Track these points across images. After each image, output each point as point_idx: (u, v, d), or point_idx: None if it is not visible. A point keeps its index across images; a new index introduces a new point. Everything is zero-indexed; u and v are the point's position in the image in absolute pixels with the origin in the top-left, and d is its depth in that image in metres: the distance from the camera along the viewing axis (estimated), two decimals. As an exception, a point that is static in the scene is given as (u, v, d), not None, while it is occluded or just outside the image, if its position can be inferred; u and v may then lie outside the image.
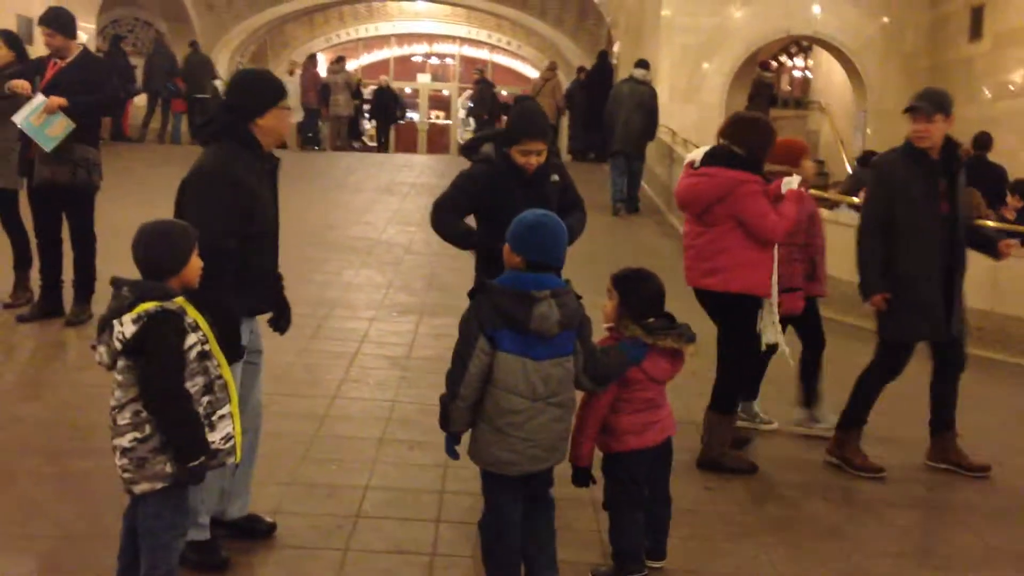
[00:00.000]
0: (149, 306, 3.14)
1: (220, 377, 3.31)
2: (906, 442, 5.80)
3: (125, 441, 3.19)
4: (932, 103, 5.21)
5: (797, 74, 24.54)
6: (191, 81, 19.18)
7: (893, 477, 5.42)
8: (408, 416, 5.80)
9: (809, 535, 4.70)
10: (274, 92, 3.98)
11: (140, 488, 3.23)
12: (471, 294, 3.70)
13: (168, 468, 3.22)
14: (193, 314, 3.24)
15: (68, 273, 7.27)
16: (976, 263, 5.60)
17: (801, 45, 22.02)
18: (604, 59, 19.16)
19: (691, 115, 15.97)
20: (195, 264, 3.36)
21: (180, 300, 3.22)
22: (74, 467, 4.77)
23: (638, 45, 18.64)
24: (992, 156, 11.84)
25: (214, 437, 3.29)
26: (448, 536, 4.35)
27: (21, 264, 7.51)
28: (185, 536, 3.49)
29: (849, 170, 15.98)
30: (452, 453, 3.71)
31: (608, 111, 13.74)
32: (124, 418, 3.19)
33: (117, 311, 3.15)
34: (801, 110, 21.52)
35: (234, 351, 3.56)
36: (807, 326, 5.96)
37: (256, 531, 4.19)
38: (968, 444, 5.62)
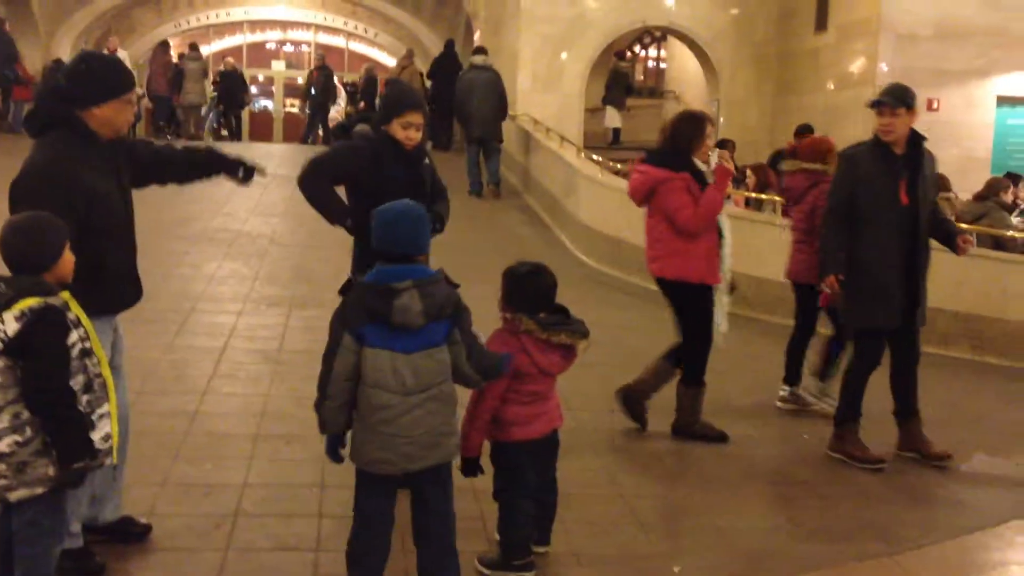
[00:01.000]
0: (32, 302, 3.01)
1: (99, 375, 3.21)
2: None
3: (3, 446, 3.05)
4: (895, 97, 5.40)
5: (651, 64, 25.14)
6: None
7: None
8: (282, 410, 5.70)
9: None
10: (120, 82, 3.78)
11: (17, 495, 3.09)
12: (342, 291, 3.62)
13: (50, 471, 3.10)
14: (76, 310, 3.14)
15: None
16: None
17: (654, 35, 22.53)
18: (450, 48, 19.27)
19: (552, 104, 16.15)
20: (68, 258, 3.25)
21: (65, 295, 3.11)
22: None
23: (497, 34, 18.74)
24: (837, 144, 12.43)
25: (95, 436, 3.19)
26: (331, 530, 4.30)
27: None
28: (62, 543, 3.36)
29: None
30: (334, 456, 3.65)
31: (458, 100, 14.15)
32: (2, 422, 3.05)
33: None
34: (656, 99, 22.03)
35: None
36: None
37: (131, 534, 4.07)
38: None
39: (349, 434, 3.60)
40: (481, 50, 14.75)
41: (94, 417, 3.18)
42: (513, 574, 3.98)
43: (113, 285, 3.77)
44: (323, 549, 4.13)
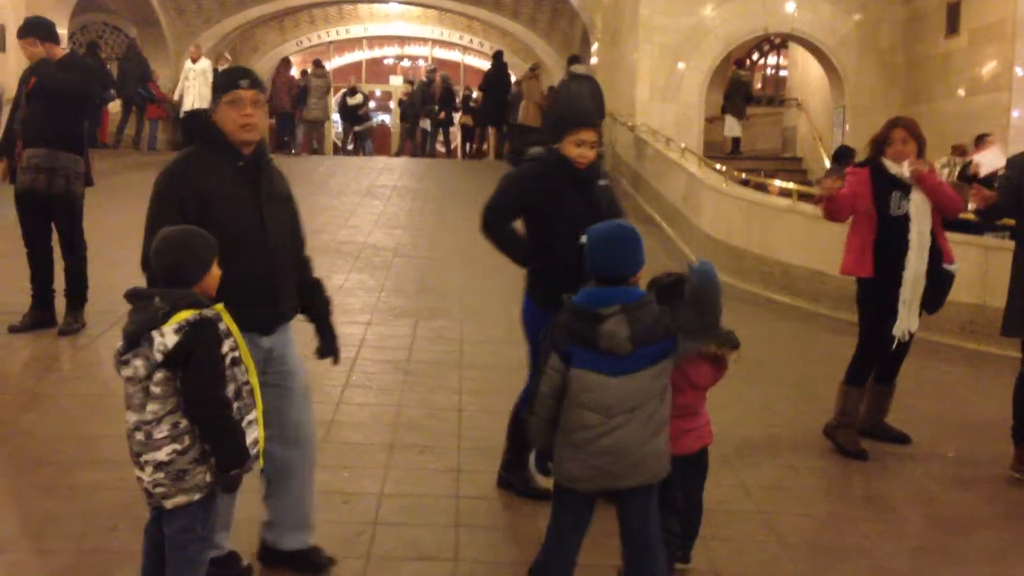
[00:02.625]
0: (188, 315, 3.07)
1: (247, 383, 3.27)
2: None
3: (162, 455, 3.11)
4: None
5: (771, 71, 24.72)
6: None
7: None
8: (415, 421, 5.75)
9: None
10: (221, 82, 3.72)
11: (174, 501, 3.16)
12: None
13: (207, 478, 3.18)
14: (227, 321, 3.20)
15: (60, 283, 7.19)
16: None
17: (774, 43, 22.15)
18: (499, 59, 20.29)
19: (670, 113, 16.01)
20: (215, 273, 3.28)
21: (219, 307, 3.18)
22: (83, 479, 4.70)
23: (615, 45, 18.68)
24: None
25: (246, 442, 3.25)
26: (468, 540, 4.32)
27: None
28: (211, 549, 3.43)
29: (827, 165, 16.11)
30: (541, 468, 3.68)
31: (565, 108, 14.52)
32: (161, 431, 3.11)
33: (149, 322, 3.07)
34: (777, 107, 21.64)
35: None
36: None
37: (314, 564, 3.98)
38: None
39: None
40: (576, 58, 14.91)
41: (244, 424, 3.22)
42: (654, 590, 3.92)
43: (243, 302, 3.42)
44: (461, 559, 4.14)
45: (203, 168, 3.62)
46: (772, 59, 24.25)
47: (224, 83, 3.70)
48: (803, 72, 19.71)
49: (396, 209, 13.19)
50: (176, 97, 18.08)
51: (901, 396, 5.95)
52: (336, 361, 4.05)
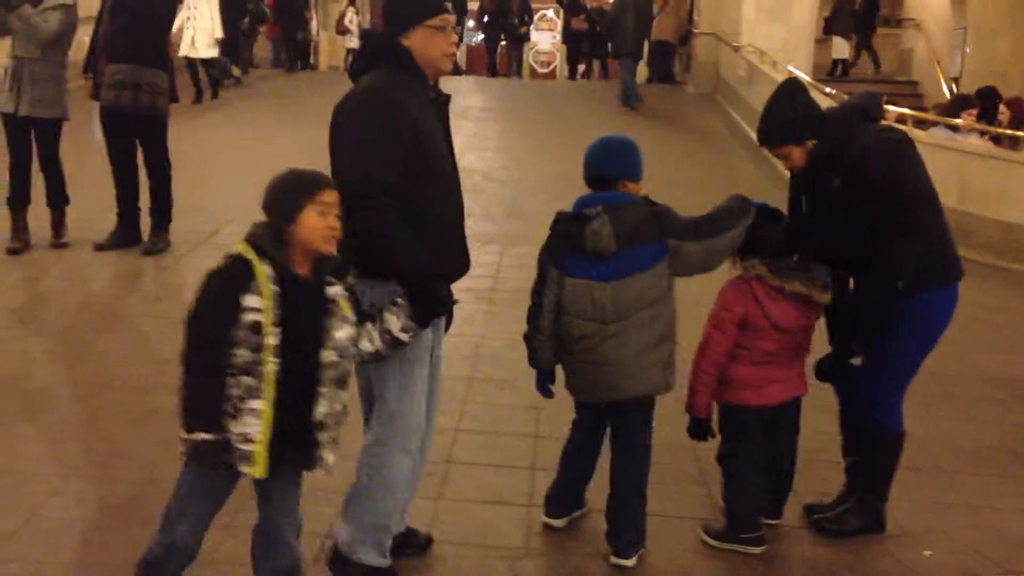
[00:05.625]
0: (241, 247, 2.74)
1: (264, 364, 2.68)
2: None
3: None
4: None
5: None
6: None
7: None
8: (497, 353, 5.55)
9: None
10: (419, 5, 3.16)
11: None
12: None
13: (182, 432, 2.72)
14: (261, 276, 2.68)
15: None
16: None
17: (892, -41, 20.96)
18: None
19: (779, 34, 15.20)
20: (310, 223, 2.74)
21: (242, 248, 2.72)
22: (155, 403, 4.59)
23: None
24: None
25: (232, 428, 2.67)
26: (544, 484, 4.08)
27: (53, 201, 7.04)
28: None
29: (945, 91, 15.24)
30: (544, 391, 3.66)
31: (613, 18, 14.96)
32: None
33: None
34: (894, 28, 20.52)
35: (430, 306, 3.03)
36: None
37: (410, 546, 3.54)
38: None
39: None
40: None
41: (242, 405, 2.66)
42: (741, 547, 3.67)
43: (438, 247, 3.13)
44: (535, 504, 3.92)
45: (411, 95, 3.12)
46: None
47: (427, 4, 3.17)
48: (922, -11, 18.63)
49: (489, 131, 12.89)
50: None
51: None
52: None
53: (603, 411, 3.62)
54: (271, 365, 2.68)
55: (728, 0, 16.02)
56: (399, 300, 2.99)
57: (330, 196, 2.79)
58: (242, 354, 2.66)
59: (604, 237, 3.36)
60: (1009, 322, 7.22)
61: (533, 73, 25.09)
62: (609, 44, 16.24)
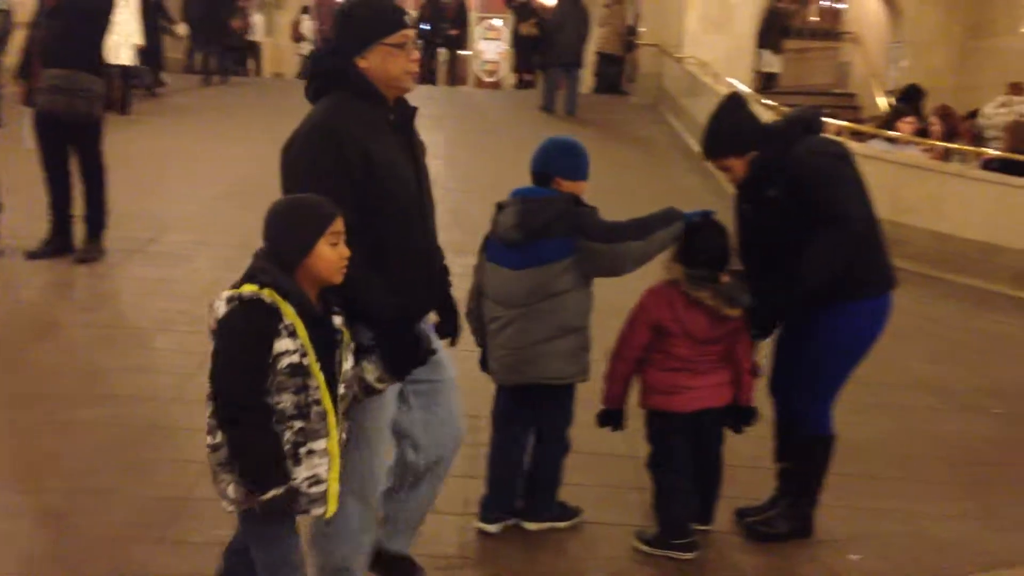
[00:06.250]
0: (249, 289, 2.56)
1: (318, 402, 2.60)
2: None
3: (208, 439, 2.62)
4: None
5: (827, 3, 23.86)
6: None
7: None
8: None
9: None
10: (376, 23, 2.96)
11: (223, 504, 2.66)
12: None
13: (231, 491, 2.60)
14: (290, 316, 2.55)
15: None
16: None
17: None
18: None
19: (721, 45, 15.37)
20: (325, 255, 2.64)
21: (268, 292, 2.56)
22: (83, 416, 4.52)
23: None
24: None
25: (298, 474, 2.59)
26: (479, 494, 4.07)
27: None
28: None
29: (881, 103, 15.49)
30: (483, 367, 3.86)
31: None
32: (208, 411, 2.62)
33: (235, 284, 2.62)
34: (832, 41, 20.87)
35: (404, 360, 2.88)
36: None
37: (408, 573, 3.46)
38: None
39: None
40: None
41: (302, 450, 2.59)
42: (673, 553, 3.69)
43: (397, 283, 2.92)
44: (470, 512, 3.92)
45: (362, 124, 2.92)
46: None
47: (384, 21, 2.97)
48: (860, 4, 18.96)
49: (436, 138, 12.86)
50: None
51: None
52: (455, 342, 3.39)
53: (518, 397, 3.77)
54: (328, 403, 2.60)
55: (671, 11, 16.17)
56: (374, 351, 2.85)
57: (339, 225, 2.68)
58: (286, 399, 2.57)
59: (507, 227, 3.58)
60: (943, 332, 7.35)
61: (479, 82, 25.15)
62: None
